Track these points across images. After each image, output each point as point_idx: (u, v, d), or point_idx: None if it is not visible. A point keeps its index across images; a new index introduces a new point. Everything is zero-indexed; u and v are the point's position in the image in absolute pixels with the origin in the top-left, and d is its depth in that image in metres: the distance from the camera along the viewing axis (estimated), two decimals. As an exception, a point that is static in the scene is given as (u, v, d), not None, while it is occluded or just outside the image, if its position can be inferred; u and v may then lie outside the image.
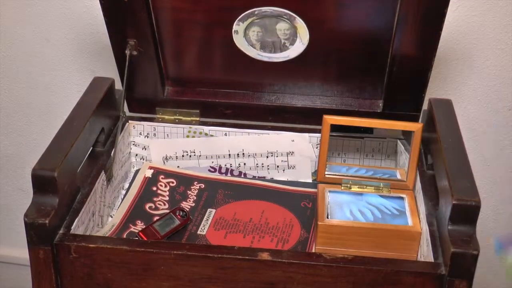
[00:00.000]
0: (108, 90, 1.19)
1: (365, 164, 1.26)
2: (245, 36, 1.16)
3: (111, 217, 1.17)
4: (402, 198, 1.13)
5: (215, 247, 0.97)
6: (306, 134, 1.24)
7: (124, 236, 1.11)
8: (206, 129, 1.26)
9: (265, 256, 0.93)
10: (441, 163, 1.01)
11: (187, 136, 1.27)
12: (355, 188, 1.15)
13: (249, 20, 1.14)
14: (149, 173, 1.24)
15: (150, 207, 1.18)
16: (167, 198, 1.20)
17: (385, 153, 1.26)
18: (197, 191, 1.22)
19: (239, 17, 1.13)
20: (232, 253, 0.93)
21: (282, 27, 1.14)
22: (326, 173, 1.16)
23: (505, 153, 1.49)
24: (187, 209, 1.18)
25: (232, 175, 1.28)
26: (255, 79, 1.23)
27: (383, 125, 1.16)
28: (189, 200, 1.20)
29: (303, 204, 1.20)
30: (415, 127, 1.12)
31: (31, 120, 1.58)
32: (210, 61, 1.22)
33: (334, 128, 1.17)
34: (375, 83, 1.20)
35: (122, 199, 1.20)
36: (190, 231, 1.13)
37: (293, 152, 1.25)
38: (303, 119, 1.24)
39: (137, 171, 1.26)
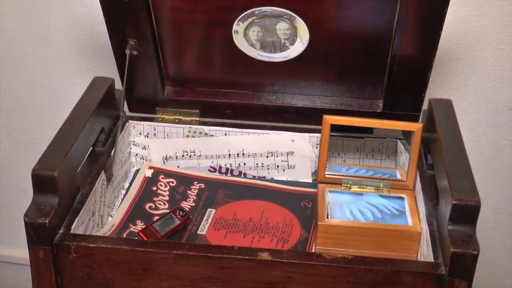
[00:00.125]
0: (108, 90, 1.19)
1: (365, 164, 1.26)
2: (245, 36, 1.16)
3: (111, 217, 1.17)
4: (402, 198, 1.13)
5: (215, 247, 0.97)
6: (306, 134, 1.24)
7: (124, 236, 1.11)
8: (206, 129, 1.26)
9: (265, 256, 0.93)
10: (441, 163, 1.01)
11: (187, 136, 1.27)
12: (355, 188, 1.15)
13: (249, 20, 1.14)
14: (149, 173, 1.24)
15: (150, 207, 1.18)
16: (167, 198, 1.20)
17: (385, 153, 1.26)
18: (197, 191, 1.22)
19: (239, 17, 1.13)
20: (232, 253, 0.93)
21: (282, 27, 1.14)
22: (326, 173, 1.16)
23: (505, 153, 1.49)
24: (187, 209, 1.18)
25: (232, 175, 1.28)
26: (255, 79, 1.23)
27: (383, 125, 1.16)
28: (189, 200, 1.20)
29: (303, 204, 1.20)
30: (415, 127, 1.12)
31: (31, 120, 1.58)
32: (210, 61, 1.22)
33: (334, 128, 1.17)
34: (375, 83, 1.20)
35: (122, 199, 1.20)
36: (190, 231, 1.13)
37: (293, 152, 1.25)
38: (303, 119, 1.24)
39: (137, 171, 1.26)
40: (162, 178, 1.24)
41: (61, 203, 0.97)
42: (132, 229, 1.13)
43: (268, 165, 1.27)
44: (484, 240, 1.56)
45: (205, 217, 1.16)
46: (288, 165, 1.26)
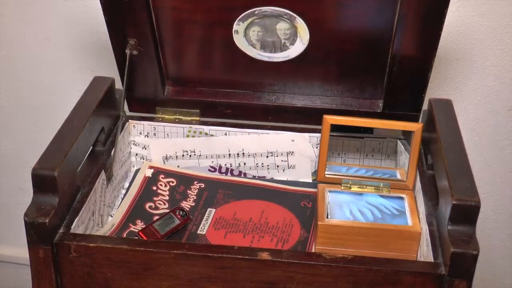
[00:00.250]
0: (108, 89, 1.19)
1: (365, 164, 1.26)
2: (246, 36, 1.16)
3: (111, 216, 1.17)
4: (402, 198, 1.13)
5: (215, 247, 0.97)
6: (306, 134, 1.24)
7: (124, 236, 1.11)
8: (206, 128, 1.26)
9: (265, 255, 0.93)
10: (441, 163, 1.01)
11: (187, 136, 1.27)
12: (355, 188, 1.15)
13: (249, 20, 1.14)
14: (149, 172, 1.24)
15: (150, 207, 1.18)
16: (167, 198, 1.21)
17: (385, 153, 1.26)
18: (197, 190, 1.22)
19: (239, 17, 1.13)
20: (232, 252, 0.93)
21: (282, 27, 1.14)
22: (326, 173, 1.16)
23: (505, 153, 1.49)
24: (187, 209, 1.18)
25: (232, 174, 1.28)
26: (255, 79, 1.23)
27: (383, 125, 1.16)
28: (189, 200, 1.20)
29: (303, 204, 1.20)
30: (415, 127, 1.12)
31: (31, 119, 1.58)
32: (210, 60, 1.22)
33: (334, 128, 1.17)
34: (375, 83, 1.20)
35: (122, 199, 1.20)
36: (190, 231, 1.13)
37: (293, 152, 1.25)
38: (303, 119, 1.24)
39: (137, 171, 1.26)
40: (162, 177, 1.24)
41: (61, 202, 0.97)
42: (132, 228, 1.13)
43: (268, 165, 1.27)
44: (484, 240, 1.56)
45: (205, 217, 1.16)
46: (288, 165, 1.26)
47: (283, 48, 1.17)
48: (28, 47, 1.49)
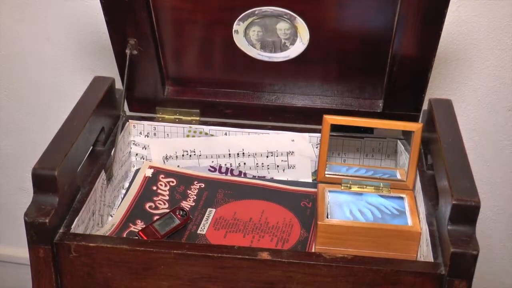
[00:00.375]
0: (108, 89, 1.19)
1: (365, 164, 1.26)
2: (246, 36, 1.16)
3: (111, 216, 1.17)
4: (402, 198, 1.13)
5: (215, 247, 0.97)
6: (306, 134, 1.24)
7: (124, 236, 1.11)
8: (206, 128, 1.26)
9: (265, 255, 0.93)
10: (441, 163, 1.01)
11: (187, 136, 1.27)
12: (355, 188, 1.15)
13: (250, 19, 1.14)
14: (149, 172, 1.24)
15: (150, 207, 1.18)
16: (167, 198, 1.21)
17: (385, 153, 1.26)
18: (197, 190, 1.22)
19: (240, 17, 1.13)
20: (232, 252, 0.93)
21: (282, 26, 1.14)
22: (326, 173, 1.16)
23: (505, 153, 1.50)
24: (187, 209, 1.18)
25: (232, 174, 1.28)
26: (255, 79, 1.23)
27: (383, 125, 1.16)
28: (189, 200, 1.20)
29: (303, 204, 1.20)
30: (415, 127, 1.12)
31: (31, 119, 1.59)
32: (210, 60, 1.22)
33: (334, 128, 1.17)
34: (375, 83, 1.20)
35: (122, 199, 1.20)
36: (190, 231, 1.13)
37: (293, 152, 1.25)
38: (303, 119, 1.24)
39: (137, 171, 1.26)
40: (162, 177, 1.24)
41: (61, 202, 0.97)
42: (132, 228, 1.13)
43: (268, 165, 1.27)
44: (484, 240, 1.56)
45: (205, 217, 1.16)
46: (288, 165, 1.26)
47: (283, 48, 1.17)
48: (28, 47, 1.49)
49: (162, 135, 1.27)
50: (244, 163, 1.27)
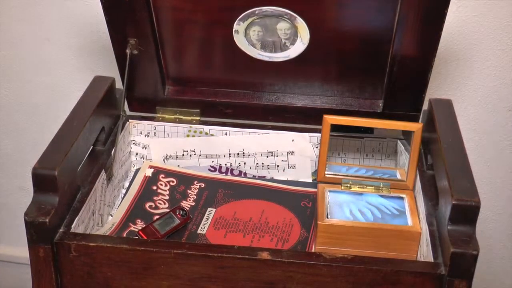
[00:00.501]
0: (108, 89, 1.19)
1: (365, 164, 1.26)
2: (246, 36, 1.16)
3: (111, 216, 1.17)
4: (402, 198, 1.13)
5: (215, 246, 0.97)
6: (306, 134, 1.24)
7: (124, 235, 1.11)
8: (206, 128, 1.26)
9: (265, 255, 0.93)
10: (441, 163, 1.01)
11: (187, 136, 1.27)
12: (355, 188, 1.15)
13: (250, 19, 1.14)
14: (149, 172, 1.24)
15: (150, 206, 1.18)
16: (167, 197, 1.21)
17: (385, 153, 1.26)
18: (197, 190, 1.22)
19: (240, 17, 1.13)
20: (232, 252, 0.93)
21: (282, 26, 1.14)
22: (326, 173, 1.16)
23: (505, 153, 1.50)
24: (187, 208, 1.18)
25: (232, 174, 1.28)
26: (255, 79, 1.23)
27: (383, 125, 1.16)
28: (189, 199, 1.20)
29: (303, 203, 1.20)
30: (415, 127, 1.12)
31: (32, 119, 1.59)
32: (210, 60, 1.22)
33: (334, 128, 1.17)
34: (375, 83, 1.20)
35: (122, 198, 1.20)
36: (190, 230, 1.13)
37: (293, 152, 1.25)
38: (303, 119, 1.24)
39: (137, 170, 1.26)
40: (162, 177, 1.24)
41: (61, 202, 0.97)
42: (132, 228, 1.13)
43: (268, 165, 1.27)
44: (484, 240, 1.56)
45: (205, 217, 1.16)
46: (288, 164, 1.26)
47: (284, 48, 1.17)
48: (28, 47, 1.49)
49: (162, 134, 1.27)
50: (244, 163, 1.27)
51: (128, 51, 1.17)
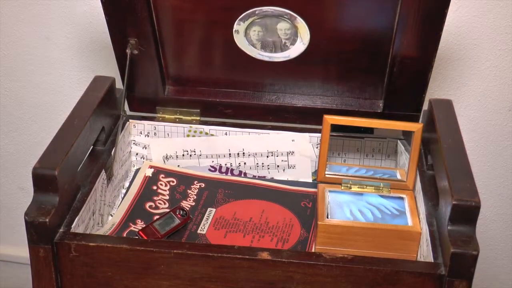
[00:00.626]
0: (108, 89, 1.19)
1: (365, 164, 1.26)
2: (246, 36, 1.16)
3: (111, 216, 1.17)
4: (402, 198, 1.13)
5: (215, 247, 0.97)
6: (306, 134, 1.24)
7: (124, 235, 1.11)
8: (206, 128, 1.26)
9: (265, 255, 0.93)
10: (441, 163, 1.01)
11: (188, 135, 1.27)
12: (355, 188, 1.15)
13: (250, 19, 1.14)
14: (149, 172, 1.24)
15: (150, 206, 1.18)
16: (167, 197, 1.21)
17: (385, 153, 1.26)
18: (197, 190, 1.22)
19: (240, 17, 1.13)
20: (232, 252, 0.93)
21: (283, 26, 1.14)
22: (326, 173, 1.16)
23: (505, 153, 1.50)
24: (187, 208, 1.18)
25: (232, 174, 1.28)
26: (255, 79, 1.23)
27: (383, 125, 1.16)
28: (189, 199, 1.20)
29: (303, 204, 1.20)
30: (415, 127, 1.12)
31: (32, 118, 1.59)
32: (210, 60, 1.22)
33: (334, 128, 1.17)
34: (375, 83, 1.20)
35: (122, 198, 1.20)
36: (190, 230, 1.13)
37: (293, 152, 1.25)
38: (303, 118, 1.24)
39: (137, 170, 1.26)
40: (162, 177, 1.24)
41: (61, 202, 0.97)
42: (132, 228, 1.13)
43: (268, 165, 1.27)
44: (484, 241, 1.57)
45: (205, 217, 1.16)
46: (288, 165, 1.26)
47: (284, 48, 1.17)
48: (28, 47, 1.49)
49: (162, 134, 1.27)
50: (244, 163, 1.27)
51: (128, 51, 1.17)
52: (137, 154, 1.29)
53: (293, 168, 1.27)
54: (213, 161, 1.27)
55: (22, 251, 1.72)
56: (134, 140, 1.28)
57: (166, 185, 1.23)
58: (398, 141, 1.24)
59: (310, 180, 1.27)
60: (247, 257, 0.93)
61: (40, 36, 1.48)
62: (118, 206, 1.18)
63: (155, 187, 1.22)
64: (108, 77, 1.22)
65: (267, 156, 1.26)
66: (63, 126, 1.07)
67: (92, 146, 1.14)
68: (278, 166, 1.27)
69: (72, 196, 1.02)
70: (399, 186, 1.15)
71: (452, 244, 0.90)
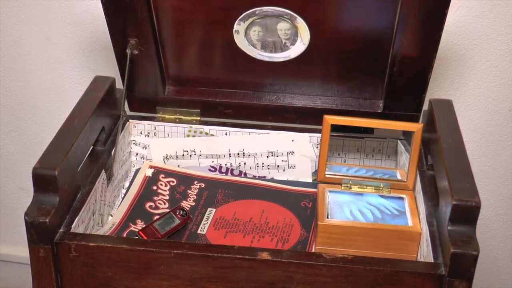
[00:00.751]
0: (108, 89, 1.19)
1: (365, 164, 1.26)
2: (246, 36, 1.16)
3: (111, 216, 1.17)
4: (402, 198, 1.13)
5: (215, 247, 0.97)
6: (306, 134, 1.24)
7: (124, 235, 1.11)
8: (206, 128, 1.26)
9: (265, 255, 0.93)
10: (441, 164, 1.01)
11: (188, 136, 1.27)
12: (355, 188, 1.15)
13: (250, 19, 1.14)
14: (149, 172, 1.24)
15: (150, 206, 1.18)
16: (167, 197, 1.21)
17: (385, 153, 1.26)
18: (197, 190, 1.22)
19: (240, 17, 1.13)
20: (232, 252, 0.93)
21: (283, 27, 1.14)
22: (326, 173, 1.16)
23: (505, 153, 1.50)
24: (187, 209, 1.18)
25: (232, 174, 1.28)
26: (255, 79, 1.23)
27: (383, 125, 1.16)
28: (189, 200, 1.20)
29: (303, 204, 1.20)
30: (415, 127, 1.12)
31: (32, 119, 1.59)
32: (210, 60, 1.22)
33: (335, 128, 1.17)
34: (375, 83, 1.20)
35: (123, 198, 1.20)
36: (190, 231, 1.13)
37: (293, 152, 1.25)
38: (303, 119, 1.24)
39: (137, 170, 1.26)
40: (162, 177, 1.24)
41: (61, 202, 0.97)
42: (132, 228, 1.13)
43: (268, 165, 1.27)
44: (484, 241, 1.57)
45: (205, 217, 1.16)
46: (288, 165, 1.26)
47: (284, 48, 1.17)
48: (28, 47, 1.49)
49: (162, 135, 1.27)
50: (245, 163, 1.27)
51: (128, 51, 1.17)
52: (137, 154, 1.29)
53: (293, 168, 1.27)
54: (213, 161, 1.27)
55: (22, 251, 1.72)
56: (134, 140, 1.28)
57: (166, 185, 1.23)
58: (398, 141, 1.24)
59: (310, 180, 1.27)
60: (247, 257, 0.93)
61: (40, 36, 1.48)
62: (118, 206, 1.18)
63: (155, 187, 1.22)
64: (108, 77, 1.22)
65: (267, 156, 1.26)
66: (63, 126, 1.07)
67: (92, 146, 1.14)
68: (278, 166, 1.27)
69: (72, 196, 1.02)
70: (399, 186, 1.15)
71: (452, 244, 0.90)
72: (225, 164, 1.27)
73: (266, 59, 1.19)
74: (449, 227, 0.92)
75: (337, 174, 1.17)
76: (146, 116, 1.28)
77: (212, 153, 1.27)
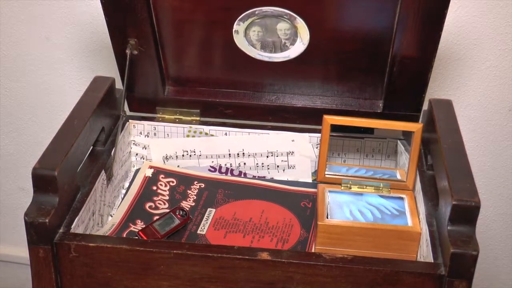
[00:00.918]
0: (108, 89, 1.19)
1: (365, 164, 1.26)
2: (246, 36, 1.16)
3: (111, 216, 1.17)
4: (402, 198, 1.13)
5: (214, 247, 0.97)
6: (306, 134, 1.24)
7: (124, 236, 1.11)
8: (206, 128, 1.26)
9: (264, 256, 0.93)
10: (441, 164, 1.01)
11: (187, 136, 1.27)
12: (355, 188, 1.15)
13: (250, 20, 1.14)
14: (149, 172, 1.24)
15: (150, 207, 1.18)
16: (167, 198, 1.21)
17: (385, 153, 1.26)
18: (197, 190, 1.22)
19: (240, 17, 1.13)
20: (232, 252, 0.93)
21: (282, 27, 1.14)
22: (326, 173, 1.16)
23: (505, 153, 1.50)
24: (187, 209, 1.18)
25: (232, 174, 1.28)
26: (255, 79, 1.23)
27: (383, 125, 1.16)
28: (189, 200, 1.20)
29: (303, 204, 1.20)
30: (415, 127, 1.12)
31: (32, 119, 1.59)
32: (210, 60, 1.22)
33: (334, 128, 1.17)
34: (375, 83, 1.20)
35: (122, 199, 1.20)
36: (190, 231, 1.13)
37: (293, 152, 1.25)
38: (303, 119, 1.24)
39: (137, 171, 1.26)
40: (162, 177, 1.24)
41: (61, 202, 0.97)
42: (132, 228, 1.13)
43: (268, 165, 1.27)
44: (484, 241, 1.57)
45: (205, 217, 1.16)
46: (288, 165, 1.26)
47: (283, 48, 1.17)
48: (28, 47, 1.49)
49: (162, 135, 1.27)
50: (244, 163, 1.27)
51: (128, 51, 1.17)
52: (137, 154, 1.29)
53: (293, 168, 1.27)
54: (213, 161, 1.27)
55: (22, 251, 1.72)
56: (134, 141, 1.28)
57: (166, 186, 1.23)
58: (398, 141, 1.24)
59: (310, 180, 1.27)
60: (247, 257, 0.93)
61: (40, 36, 1.48)
62: (118, 207, 1.18)
63: (155, 188, 1.22)
64: (108, 77, 1.22)
65: (267, 156, 1.26)
66: (63, 126, 1.07)
67: (92, 147, 1.14)
68: (278, 166, 1.27)
69: (72, 197, 1.02)
70: (399, 186, 1.15)
71: (452, 244, 0.90)
72: (225, 164, 1.27)
73: (266, 59, 1.19)
74: (449, 227, 0.92)
75: (337, 174, 1.17)
76: (146, 116, 1.28)
77: (212, 153, 1.27)
